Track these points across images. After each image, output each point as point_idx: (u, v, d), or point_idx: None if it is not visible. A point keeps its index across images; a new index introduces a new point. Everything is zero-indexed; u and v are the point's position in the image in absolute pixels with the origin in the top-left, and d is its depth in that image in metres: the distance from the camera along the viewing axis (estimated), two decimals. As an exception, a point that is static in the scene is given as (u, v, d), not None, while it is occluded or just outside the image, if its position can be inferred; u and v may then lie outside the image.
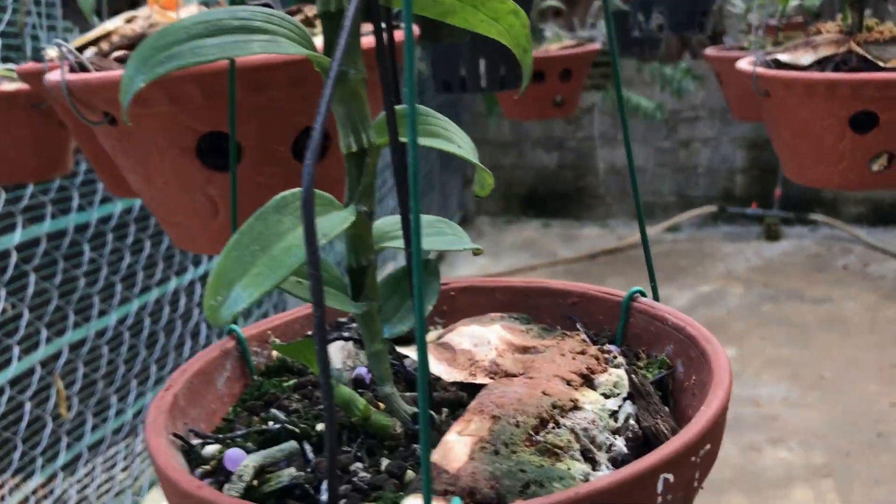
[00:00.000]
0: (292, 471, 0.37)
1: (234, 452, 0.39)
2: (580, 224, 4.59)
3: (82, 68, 0.59)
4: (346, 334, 0.50)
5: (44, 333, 1.93)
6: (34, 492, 1.97)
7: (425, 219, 0.44)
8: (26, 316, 1.87)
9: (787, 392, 2.74)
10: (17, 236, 1.85)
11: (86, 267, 2.07)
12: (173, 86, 0.54)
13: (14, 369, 1.87)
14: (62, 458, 2.03)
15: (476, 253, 0.45)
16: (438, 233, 0.43)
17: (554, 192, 4.71)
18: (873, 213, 4.24)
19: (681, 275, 3.83)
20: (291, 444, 0.40)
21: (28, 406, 1.89)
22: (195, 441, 0.41)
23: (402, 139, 0.40)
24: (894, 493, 2.18)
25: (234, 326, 0.48)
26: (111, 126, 0.59)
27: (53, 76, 0.58)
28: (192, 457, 0.40)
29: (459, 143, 0.41)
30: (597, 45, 1.71)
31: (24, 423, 1.88)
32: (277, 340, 0.49)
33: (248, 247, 0.35)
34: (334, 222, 0.37)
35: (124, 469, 2.24)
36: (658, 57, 2.47)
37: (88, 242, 2.06)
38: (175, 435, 0.40)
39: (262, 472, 0.38)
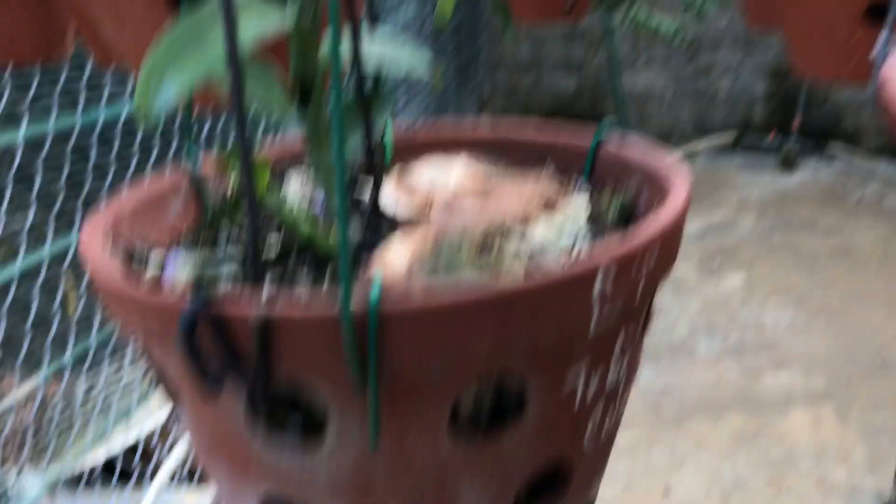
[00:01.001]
0: (231, 266, 0.37)
1: (176, 253, 0.38)
2: (596, 149, 4.54)
3: None
4: (306, 169, 0.49)
5: (52, 226, 1.94)
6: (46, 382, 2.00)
7: (386, 32, 0.42)
8: (34, 208, 1.87)
9: (793, 318, 2.74)
10: (23, 131, 1.84)
11: (93, 163, 2.06)
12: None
13: (21, 264, 1.88)
14: (69, 354, 2.06)
15: (437, 86, 0.44)
16: (397, 47, 0.42)
17: (572, 116, 4.65)
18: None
19: (694, 201, 3.75)
20: (234, 249, 0.39)
21: (36, 302, 1.90)
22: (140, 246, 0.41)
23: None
24: (892, 418, 2.19)
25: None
26: (79, -35, 0.58)
27: None
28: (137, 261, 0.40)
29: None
30: (611, -54, 1.66)
31: (30, 319, 1.90)
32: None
33: (184, 35, 0.34)
34: (276, 19, 0.35)
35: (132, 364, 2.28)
36: (679, -29, 2.41)
37: (97, 140, 2.05)
38: (117, 234, 0.39)
39: (204, 267, 0.37)
